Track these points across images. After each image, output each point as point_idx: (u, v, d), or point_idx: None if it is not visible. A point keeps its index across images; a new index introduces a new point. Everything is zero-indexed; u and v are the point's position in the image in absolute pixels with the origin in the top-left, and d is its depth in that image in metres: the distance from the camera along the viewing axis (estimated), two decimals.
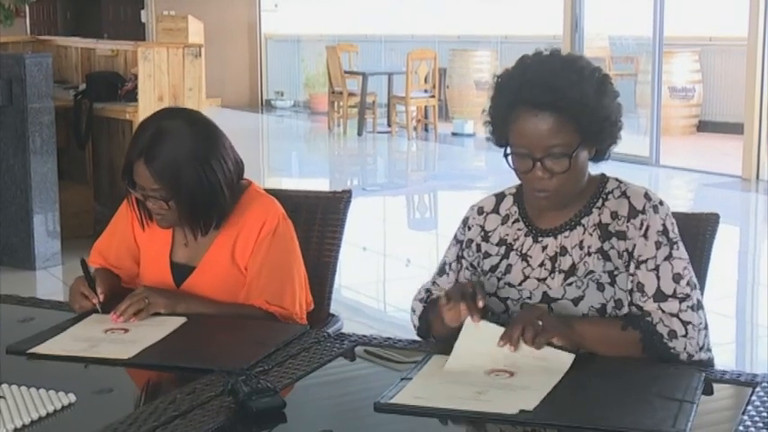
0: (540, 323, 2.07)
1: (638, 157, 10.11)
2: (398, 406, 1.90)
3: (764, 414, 1.83)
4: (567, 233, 2.26)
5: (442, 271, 2.42)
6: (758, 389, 1.95)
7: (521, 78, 2.19)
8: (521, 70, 2.22)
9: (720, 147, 11.22)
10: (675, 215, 2.27)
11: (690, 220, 2.46)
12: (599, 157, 2.27)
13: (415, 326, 2.41)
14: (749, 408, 1.86)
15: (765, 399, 1.90)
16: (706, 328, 2.18)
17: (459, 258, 2.40)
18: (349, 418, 1.94)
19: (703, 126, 12.35)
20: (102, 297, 2.47)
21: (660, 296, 2.16)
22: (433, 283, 2.41)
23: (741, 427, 1.78)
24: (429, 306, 2.35)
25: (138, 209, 2.59)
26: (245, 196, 2.59)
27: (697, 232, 2.44)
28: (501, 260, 2.31)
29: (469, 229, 2.39)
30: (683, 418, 1.79)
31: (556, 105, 2.13)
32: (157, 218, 2.53)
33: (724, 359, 4.29)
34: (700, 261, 2.41)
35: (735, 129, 10.62)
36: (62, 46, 8.21)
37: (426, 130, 12.76)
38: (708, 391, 1.97)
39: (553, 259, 2.25)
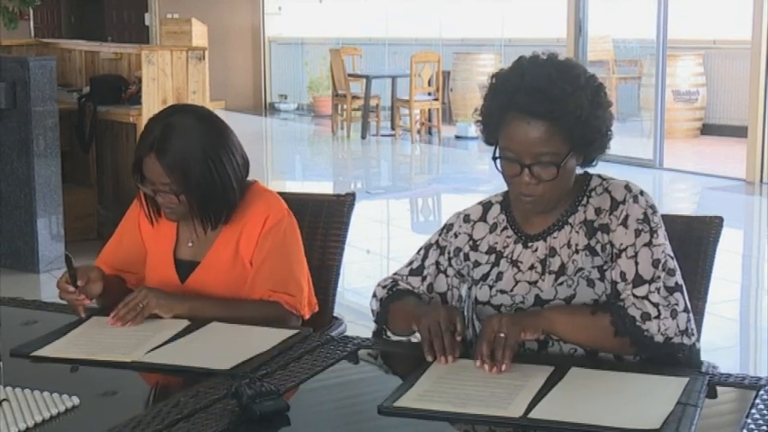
0: (502, 335, 2.05)
1: (642, 160, 10.11)
2: (402, 409, 1.90)
3: None
4: (555, 234, 2.26)
5: (417, 271, 2.41)
6: (762, 392, 1.95)
7: (516, 82, 2.18)
8: (517, 74, 2.20)
9: (724, 150, 11.20)
10: (679, 218, 2.27)
11: (693, 223, 2.46)
12: (586, 164, 2.27)
13: (373, 311, 2.41)
14: (753, 411, 1.86)
15: None
16: (687, 311, 2.17)
17: (437, 264, 2.40)
18: (353, 421, 1.95)
19: (707, 129, 12.32)
20: (81, 283, 2.45)
21: (639, 281, 2.16)
22: (406, 277, 2.41)
23: (745, 431, 1.78)
24: (393, 295, 2.37)
25: (147, 204, 2.60)
26: (250, 193, 2.60)
27: (701, 235, 2.44)
28: (491, 268, 2.31)
29: (456, 236, 2.39)
30: (686, 421, 1.80)
31: (549, 115, 2.13)
32: (167, 211, 2.54)
33: (728, 362, 4.28)
34: (703, 264, 2.41)
35: (739, 132, 10.61)
36: (66, 49, 8.22)
37: (430, 133, 12.75)
38: (711, 394, 1.97)
39: (543, 261, 2.25)
